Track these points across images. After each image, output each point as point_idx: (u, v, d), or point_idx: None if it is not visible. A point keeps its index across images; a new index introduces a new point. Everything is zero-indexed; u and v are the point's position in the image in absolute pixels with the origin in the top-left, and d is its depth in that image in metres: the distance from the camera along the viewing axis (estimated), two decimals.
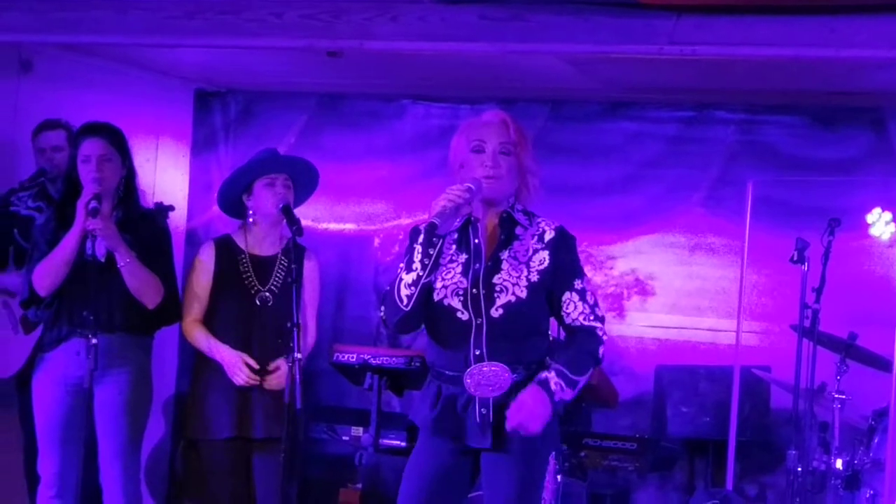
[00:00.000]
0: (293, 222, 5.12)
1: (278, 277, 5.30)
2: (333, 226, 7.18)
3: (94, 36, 5.69)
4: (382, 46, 5.36)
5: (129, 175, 5.28)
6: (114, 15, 5.48)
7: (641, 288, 7.05)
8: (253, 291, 5.29)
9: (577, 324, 4.06)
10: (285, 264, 5.27)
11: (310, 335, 5.42)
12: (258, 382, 5.22)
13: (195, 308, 5.36)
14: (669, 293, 7.02)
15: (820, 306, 5.62)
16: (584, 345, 4.06)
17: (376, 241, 7.49)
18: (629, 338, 6.97)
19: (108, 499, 5.27)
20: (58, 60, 6.77)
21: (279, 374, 5.18)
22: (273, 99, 7.68)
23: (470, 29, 5.11)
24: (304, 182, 5.42)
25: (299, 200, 5.44)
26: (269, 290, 5.28)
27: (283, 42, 5.44)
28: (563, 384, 3.97)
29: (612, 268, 7.08)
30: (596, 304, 4.11)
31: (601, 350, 4.08)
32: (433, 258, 3.96)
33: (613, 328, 6.91)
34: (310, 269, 5.40)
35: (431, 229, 3.91)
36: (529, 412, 3.93)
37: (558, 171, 6.75)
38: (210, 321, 5.34)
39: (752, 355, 6.59)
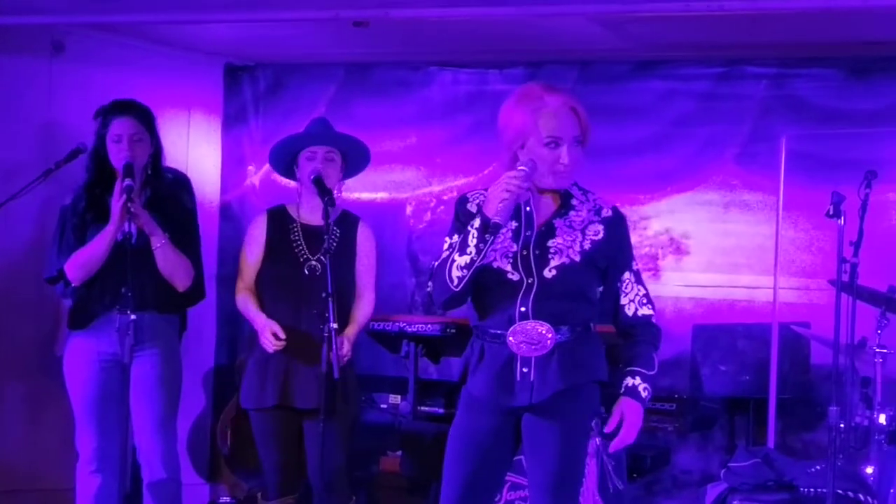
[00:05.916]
0: (325, 193, 5.13)
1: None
2: (366, 195, 7.17)
3: (123, 15, 5.72)
4: (407, 14, 5.34)
5: (157, 153, 5.25)
6: None
7: (676, 247, 7.01)
8: (302, 260, 5.30)
9: (636, 315, 4.12)
10: (336, 234, 5.28)
11: (368, 303, 5.41)
12: (282, 347, 5.19)
13: (245, 277, 5.39)
14: (704, 251, 6.97)
15: (858, 260, 5.52)
16: (647, 339, 4.13)
17: (408, 209, 7.49)
18: (665, 298, 6.91)
19: (150, 473, 5.29)
20: (88, 40, 6.80)
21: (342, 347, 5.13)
22: (302, 71, 7.67)
23: None
24: (353, 156, 5.42)
25: (350, 174, 5.46)
26: (318, 260, 5.28)
27: (309, 13, 5.44)
28: (647, 386, 4.08)
29: (645, 228, 7.03)
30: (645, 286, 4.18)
31: (660, 336, 4.17)
32: (489, 244, 3.93)
33: (650, 289, 6.86)
34: (363, 237, 5.42)
35: (496, 229, 3.87)
36: (631, 425, 4.05)
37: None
38: (261, 289, 5.37)
39: (791, 312, 6.54)
